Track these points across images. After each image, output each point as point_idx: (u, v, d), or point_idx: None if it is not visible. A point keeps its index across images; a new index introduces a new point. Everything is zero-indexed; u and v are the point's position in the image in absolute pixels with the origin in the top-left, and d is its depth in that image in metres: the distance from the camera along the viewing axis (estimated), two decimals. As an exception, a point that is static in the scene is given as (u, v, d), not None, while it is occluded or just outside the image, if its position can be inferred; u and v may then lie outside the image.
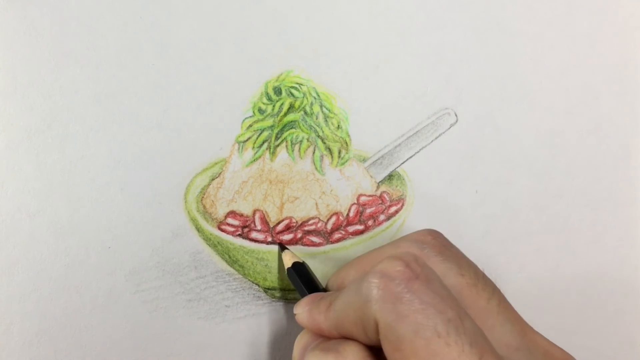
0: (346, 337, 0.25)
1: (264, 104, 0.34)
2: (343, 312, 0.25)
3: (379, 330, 0.23)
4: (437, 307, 0.22)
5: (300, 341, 0.28)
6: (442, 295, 0.23)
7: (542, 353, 0.25)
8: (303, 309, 0.28)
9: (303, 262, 0.32)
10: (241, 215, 0.34)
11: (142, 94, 0.33)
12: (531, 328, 0.27)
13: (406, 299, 0.22)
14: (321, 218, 0.35)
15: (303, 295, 0.30)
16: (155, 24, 0.33)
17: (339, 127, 0.35)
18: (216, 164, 0.34)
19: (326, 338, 0.27)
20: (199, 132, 0.34)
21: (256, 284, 0.35)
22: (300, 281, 0.31)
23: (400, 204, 0.36)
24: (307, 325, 0.27)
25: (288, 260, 0.33)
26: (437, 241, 0.28)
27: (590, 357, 0.27)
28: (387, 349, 0.23)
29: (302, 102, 0.35)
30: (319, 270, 0.35)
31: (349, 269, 0.31)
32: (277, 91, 0.34)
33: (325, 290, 0.31)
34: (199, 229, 0.34)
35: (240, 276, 0.34)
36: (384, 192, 0.36)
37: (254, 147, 0.34)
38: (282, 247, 0.34)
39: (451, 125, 0.36)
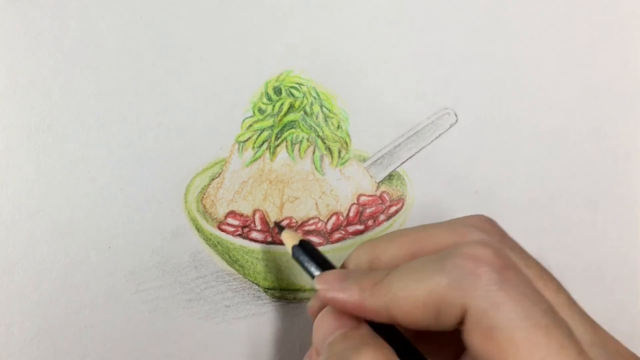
0: (393, 321, 0.23)
1: (264, 104, 0.34)
2: (406, 292, 0.23)
3: (468, 317, 0.21)
4: (531, 297, 0.21)
5: (323, 325, 0.25)
6: (531, 286, 0.22)
7: (614, 350, 0.24)
8: (331, 285, 0.25)
9: (308, 240, 0.30)
10: (241, 215, 0.34)
11: (142, 94, 0.33)
12: (599, 325, 0.25)
13: (504, 287, 0.21)
14: (321, 218, 0.35)
15: (312, 275, 0.27)
16: (155, 24, 0.33)
17: (339, 127, 0.35)
18: (216, 164, 0.34)
19: (351, 324, 0.24)
20: (199, 132, 0.34)
21: (256, 284, 0.35)
22: (311, 260, 0.28)
23: (400, 204, 0.36)
24: (337, 301, 0.24)
25: (294, 238, 0.29)
26: (496, 229, 0.26)
27: (590, 357, 0.27)
28: (476, 339, 0.21)
29: (302, 102, 0.35)
30: (319, 270, 0.35)
31: (387, 243, 0.26)
32: (277, 91, 0.34)
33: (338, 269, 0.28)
34: (199, 229, 0.34)
35: (240, 276, 0.34)
36: (384, 192, 0.36)
37: (254, 147, 0.34)
38: (280, 227, 0.31)
39: (451, 125, 0.36)
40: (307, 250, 0.28)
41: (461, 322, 0.22)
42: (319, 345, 0.25)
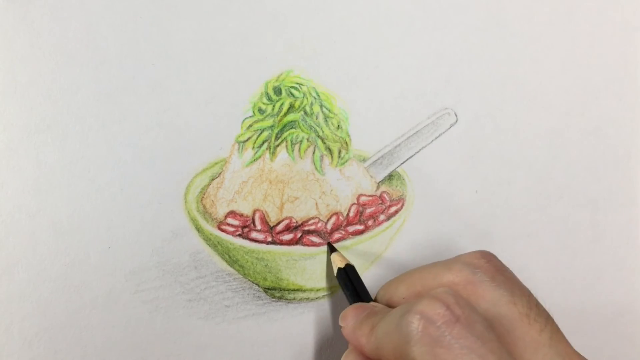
0: None
1: (264, 104, 0.34)
2: (383, 342, 0.25)
3: None
4: (477, 352, 0.22)
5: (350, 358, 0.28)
6: (483, 339, 0.23)
7: None
8: (347, 324, 0.28)
9: (352, 265, 0.33)
10: (241, 215, 0.34)
11: (142, 94, 0.33)
12: None
13: (446, 342, 0.23)
14: (321, 218, 0.35)
15: (350, 299, 0.31)
16: (155, 24, 0.33)
17: (339, 127, 0.35)
18: (216, 164, 0.34)
19: None
20: (199, 132, 0.34)
21: (256, 284, 0.35)
22: (351, 285, 0.32)
23: (400, 204, 0.36)
24: (351, 342, 0.28)
25: (340, 262, 0.33)
26: (490, 265, 0.28)
27: (590, 357, 0.27)
28: None
29: (302, 102, 0.35)
30: (318, 270, 0.35)
31: (398, 284, 0.30)
32: (277, 91, 0.34)
33: (371, 299, 0.31)
34: (199, 229, 0.34)
35: (240, 276, 0.34)
36: (384, 192, 0.36)
37: (254, 147, 0.34)
38: (332, 248, 0.34)
39: (451, 125, 0.36)
40: (349, 275, 0.32)
41: None
42: None
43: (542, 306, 0.27)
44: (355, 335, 0.27)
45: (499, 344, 0.23)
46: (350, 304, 0.30)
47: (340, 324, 0.29)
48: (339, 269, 0.32)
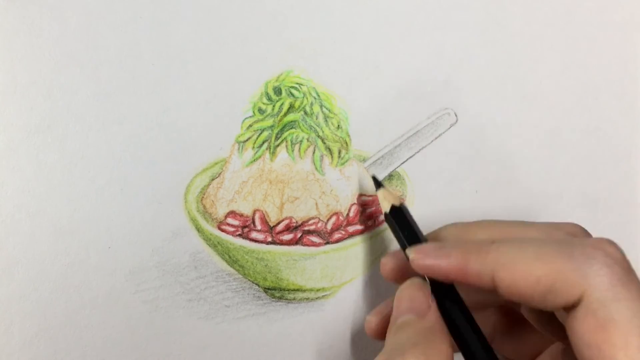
0: (493, 286, 0.24)
1: (264, 104, 0.34)
2: (520, 263, 0.24)
3: (583, 304, 0.22)
4: None
5: (403, 297, 0.26)
6: None
7: None
8: (427, 254, 0.26)
9: (402, 204, 0.30)
10: (241, 215, 0.34)
11: (142, 94, 0.33)
12: None
13: (627, 285, 0.22)
14: (321, 218, 0.35)
15: (406, 239, 0.28)
16: (155, 24, 0.33)
17: (339, 127, 0.35)
18: (216, 164, 0.34)
19: (422, 308, 0.26)
20: (199, 132, 0.34)
21: (256, 284, 0.35)
22: (406, 224, 0.29)
23: (400, 204, 0.36)
24: (435, 268, 0.25)
25: (394, 199, 0.31)
26: (587, 235, 0.28)
27: (590, 357, 0.27)
28: (586, 326, 0.22)
29: (302, 102, 0.35)
30: (318, 270, 0.35)
31: (479, 228, 0.28)
32: (277, 91, 0.34)
33: (426, 240, 0.29)
34: (199, 229, 0.34)
35: (240, 276, 0.34)
36: (384, 192, 0.36)
37: (254, 147, 0.34)
38: (379, 184, 0.32)
39: (451, 125, 0.36)
40: (403, 214, 0.29)
41: (571, 306, 0.23)
42: (394, 316, 0.26)
43: None
44: (447, 257, 0.25)
45: None
46: (405, 244, 0.28)
47: (412, 255, 0.26)
48: (394, 206, 0.30)
